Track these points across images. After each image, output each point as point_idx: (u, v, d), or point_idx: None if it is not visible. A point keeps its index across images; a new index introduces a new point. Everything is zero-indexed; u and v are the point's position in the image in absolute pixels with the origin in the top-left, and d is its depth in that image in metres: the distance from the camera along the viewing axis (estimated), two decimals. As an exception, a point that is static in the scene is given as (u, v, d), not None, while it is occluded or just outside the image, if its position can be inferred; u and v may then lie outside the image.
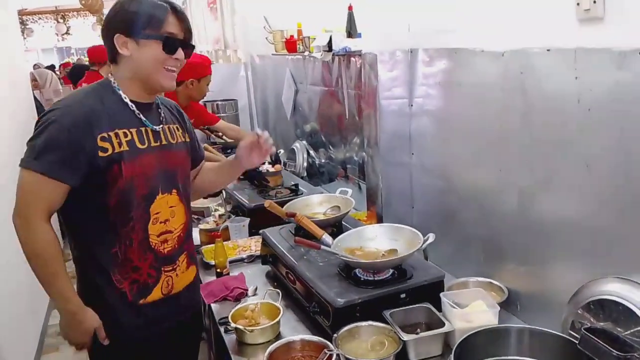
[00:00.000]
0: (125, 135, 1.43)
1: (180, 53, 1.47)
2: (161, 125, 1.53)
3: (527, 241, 1.54)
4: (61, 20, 13.65)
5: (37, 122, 1.40)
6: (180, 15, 1.47)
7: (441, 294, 1.49)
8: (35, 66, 7.28)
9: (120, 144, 1.41)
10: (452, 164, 1.86)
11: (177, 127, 1.60)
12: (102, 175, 1.39)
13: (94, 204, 1.42)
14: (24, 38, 11.81)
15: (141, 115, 1.48)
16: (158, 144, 1.51)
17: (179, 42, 1.47)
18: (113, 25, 1.44)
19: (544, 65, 1.37)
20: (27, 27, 12.87)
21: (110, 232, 1.44)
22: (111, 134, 1.41)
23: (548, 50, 1.35)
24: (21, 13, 11.06)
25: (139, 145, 1.46)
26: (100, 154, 1.38)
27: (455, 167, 1.85)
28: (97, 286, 1.46)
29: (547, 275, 1.49)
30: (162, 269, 1.52)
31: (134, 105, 1.48)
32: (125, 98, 1.47)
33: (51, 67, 7.49)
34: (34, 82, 5.75)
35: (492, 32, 1.57)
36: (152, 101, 1.55)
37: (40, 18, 13.56)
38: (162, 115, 1.56)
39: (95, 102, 1.42)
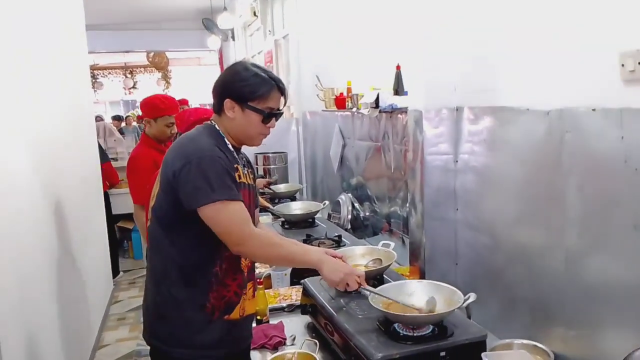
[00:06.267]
0: (237, 169, 1.59)
1: (274, 122, 1.63)
2: (245, 168, 1.67)
3: (575, 304, 1.49)
4: (129, 76, 14.67)
5: (180, 169, 1.50)
6: (282, 91, 1.62)
7: (483, 354, 1.45)
8: (97, 117, 7.91)
9: (239, 176, 1.58)
10: (498, 222, 1.84)
11: (251, 172, 1.73)
12: None
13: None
14: (95, 91, 12.73)
15: (237, 158, 1.63)
16: (248, 182, 1.65)
17: (277, 114, 1.62)
18: (226, 89, 1.60)
19: (590, 125, 1.37)
20: (97, 80, 13.89)
21: (216, 252, 1.57)
22: (236, 165, 1.58)
23: (593, 110, 1.35)
24: (93, 68, 11.97)
25: (244, 180, 1.61)
26: (237, 180, 1.56)
27: (501, 225, 1.82)
28: (179, 301, 1.57)
29: (595, 340, 1.43)
30: (243, 291, 1.65)
31: (233, 150, 1.63)
32: (228, 144, 1.61)
33: (98, 118, 8.16)
34: None
35: (537, 91, 1.59)
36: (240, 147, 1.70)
37: (110, 73, 14.64)
38: (244, 159, 1.71)
39: (216, 143, 1.58)
